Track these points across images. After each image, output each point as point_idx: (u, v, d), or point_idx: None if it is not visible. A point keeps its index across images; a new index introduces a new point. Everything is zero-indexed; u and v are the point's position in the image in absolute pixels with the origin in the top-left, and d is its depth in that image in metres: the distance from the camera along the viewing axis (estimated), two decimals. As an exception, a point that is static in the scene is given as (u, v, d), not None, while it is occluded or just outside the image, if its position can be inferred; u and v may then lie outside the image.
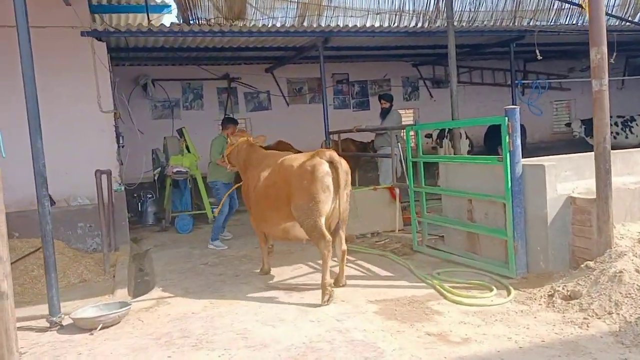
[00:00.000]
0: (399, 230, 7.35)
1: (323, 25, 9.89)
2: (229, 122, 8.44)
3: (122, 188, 8.04)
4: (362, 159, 12.54)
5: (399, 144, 7.67)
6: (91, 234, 7.75)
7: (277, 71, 13.30)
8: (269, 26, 9.41)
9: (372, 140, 13.36)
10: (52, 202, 7.98)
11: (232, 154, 6.45)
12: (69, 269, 6.33)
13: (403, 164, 7.31)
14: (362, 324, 4.20)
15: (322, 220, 4.90)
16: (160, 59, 11.63)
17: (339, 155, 5.09)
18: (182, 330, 4.31)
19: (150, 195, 10.11)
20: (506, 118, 5.01)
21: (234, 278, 5.93)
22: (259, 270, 6.03)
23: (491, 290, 4.72)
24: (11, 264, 4.53)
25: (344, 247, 5.18)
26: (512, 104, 7.92)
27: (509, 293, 4.65)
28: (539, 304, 4.35)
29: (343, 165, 5.00)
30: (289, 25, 9.88)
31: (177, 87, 12.89)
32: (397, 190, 7.36)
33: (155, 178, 9.69)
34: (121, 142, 8.59)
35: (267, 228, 5.63)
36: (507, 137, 5.01)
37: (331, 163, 4.95)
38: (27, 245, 6.55)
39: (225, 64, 13.10)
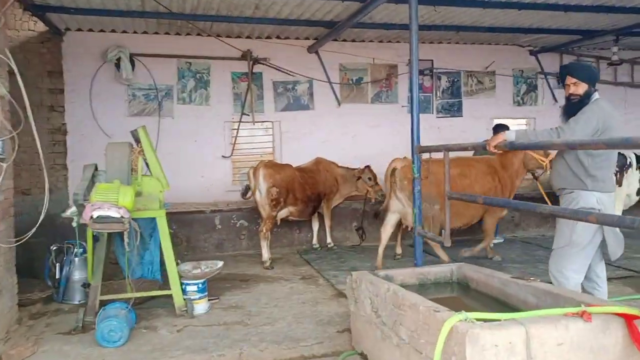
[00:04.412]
0: None
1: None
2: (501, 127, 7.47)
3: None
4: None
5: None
6: None
7: (325, 49, 8.57)
8: None
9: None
10: None
11: None
12: None
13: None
14: None
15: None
16: (139, 14, 7.02)
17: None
18: None
19: (82, 250, 5.52)
20: None
21: None
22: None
23: None
24: None
25: None
26: None
27: None
28: None
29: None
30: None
31: (171, 67, 8.33)
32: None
33: (74, 224, 5.01)
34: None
35: None
36: None
37: None
38: None
39: (247, 36, 8.49)
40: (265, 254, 6.89)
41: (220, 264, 5.36)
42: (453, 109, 9.64)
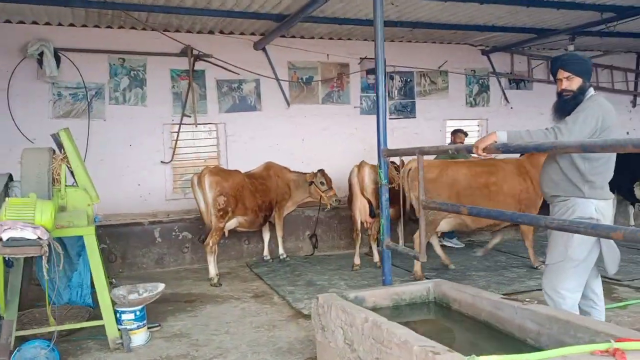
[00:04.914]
0: None
1: None
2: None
3: None
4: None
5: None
6: None
7: (273, 45, 7.99)
8: None
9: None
10: None
11: None
12: None
13: None
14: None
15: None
16: (65, 2, 6.18)
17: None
18: None
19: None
20: None
21: None
22: None
23: None
24: None
25: None
26: None
27: None
28: None
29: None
30: None
31: (102, 64, 7.50)
32: None
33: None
34: None
35: None
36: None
37: None
38: None
39: (188, 30, 7.78)
40: (212, 270, 6.24)
41: (161, 287, 4.67)
42: (406, 110, 9.28)
